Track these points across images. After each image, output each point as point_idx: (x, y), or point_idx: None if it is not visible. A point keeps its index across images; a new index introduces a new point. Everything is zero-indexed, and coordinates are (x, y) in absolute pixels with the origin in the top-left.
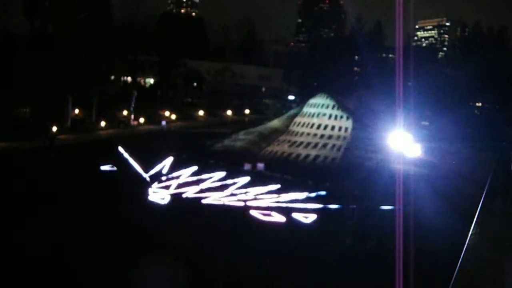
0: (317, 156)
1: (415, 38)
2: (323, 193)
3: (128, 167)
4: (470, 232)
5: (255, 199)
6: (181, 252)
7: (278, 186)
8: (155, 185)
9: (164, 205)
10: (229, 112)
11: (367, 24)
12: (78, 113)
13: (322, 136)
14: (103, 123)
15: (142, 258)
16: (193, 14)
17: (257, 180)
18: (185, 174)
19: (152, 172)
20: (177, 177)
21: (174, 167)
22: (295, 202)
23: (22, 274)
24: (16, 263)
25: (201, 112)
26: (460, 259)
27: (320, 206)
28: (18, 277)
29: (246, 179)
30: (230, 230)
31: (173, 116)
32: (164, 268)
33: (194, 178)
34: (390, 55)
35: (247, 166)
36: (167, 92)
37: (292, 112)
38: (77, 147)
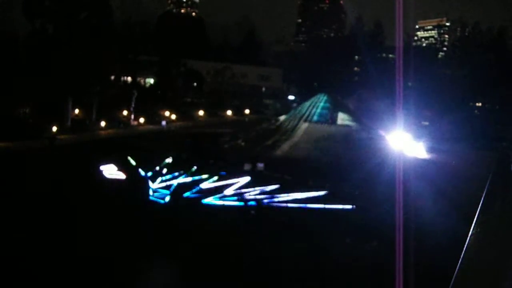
0: (316, 156)
1: (415, 38)
2: (323, 193)
3: (128, 167)
4: (470, 232)
5: (255, 199)
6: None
7: (278, 186)
8: (155, 185)
9: (164, 205)
10: (229, 112)
11: (367, 24)
12: (78, 113)
13: (321, 135)
14: (103, 123)
15: (143, 259)
16: (193, 14)
17: (257, 179)
18: (185, 173)
19: (153, 172)
20: (177, 177)
21: (174, 167)
22: (296, 202)
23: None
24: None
25: (201, 112)
26: (460, 259)
27: (320, 206)
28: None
29: (246, 178)
30: (230, 229)
31: (173, 116)
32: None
33: (195, 178)
34: (390, 55)
35: (247, 166)
36: (167, 92)
37: (291, 112)
38: (77, 147)
